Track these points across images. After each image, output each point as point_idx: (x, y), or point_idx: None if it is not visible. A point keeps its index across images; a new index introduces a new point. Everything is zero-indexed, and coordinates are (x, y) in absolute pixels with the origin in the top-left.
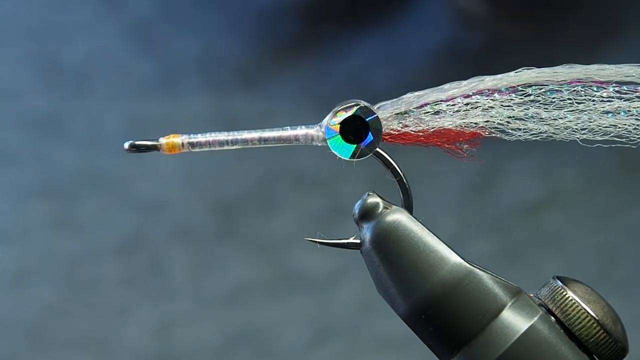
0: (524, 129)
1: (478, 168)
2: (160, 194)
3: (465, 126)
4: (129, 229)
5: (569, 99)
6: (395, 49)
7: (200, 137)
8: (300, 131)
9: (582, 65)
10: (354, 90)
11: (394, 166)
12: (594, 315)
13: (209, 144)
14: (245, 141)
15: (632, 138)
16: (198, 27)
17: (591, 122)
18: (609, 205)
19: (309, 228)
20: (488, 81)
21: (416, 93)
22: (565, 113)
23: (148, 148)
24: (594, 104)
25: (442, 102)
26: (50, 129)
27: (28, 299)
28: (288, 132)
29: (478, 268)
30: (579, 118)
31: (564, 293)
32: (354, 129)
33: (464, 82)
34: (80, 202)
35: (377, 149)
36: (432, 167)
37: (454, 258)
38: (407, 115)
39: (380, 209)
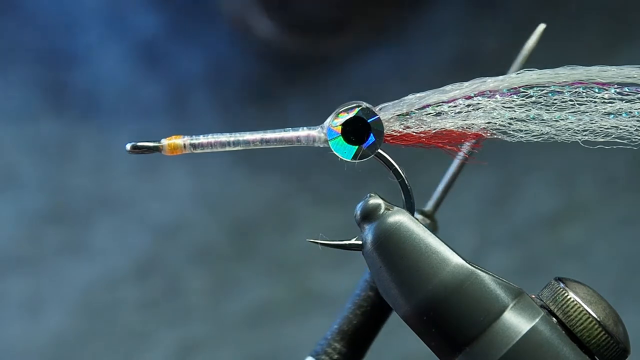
0: (525, 131)
1: (495, 182)
2: (175, 215)
3: (467, 127)
4: (145, 252)
5: (571, 100)
6: (407, 62)
7: (202, 139)
8: (302, 132)
9: (583, 67)
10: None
11: (396, 167)
12: (596, 317)
13: (210, 145)
14: (247, 142)
15: (633, 140)
16: (205, 44)
17: (593, 123)
18: (629, 215)
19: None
20: (490, 82)
21: (418, 94)
22: (566, 114)
23: (150, 149)
24: (596, 106)
25: (444, 104)
26: (60, 153)
27: (43, 327)
28: (290, 134)
29: (480, 269)
30: (580, 119)
31: (566, 294)
32: (355, 131)
33: (466, 84)
34: (94, 226)
35: (379, 150)
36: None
37: (455, 259)
38: (408, 116)
39: (382, 210)
